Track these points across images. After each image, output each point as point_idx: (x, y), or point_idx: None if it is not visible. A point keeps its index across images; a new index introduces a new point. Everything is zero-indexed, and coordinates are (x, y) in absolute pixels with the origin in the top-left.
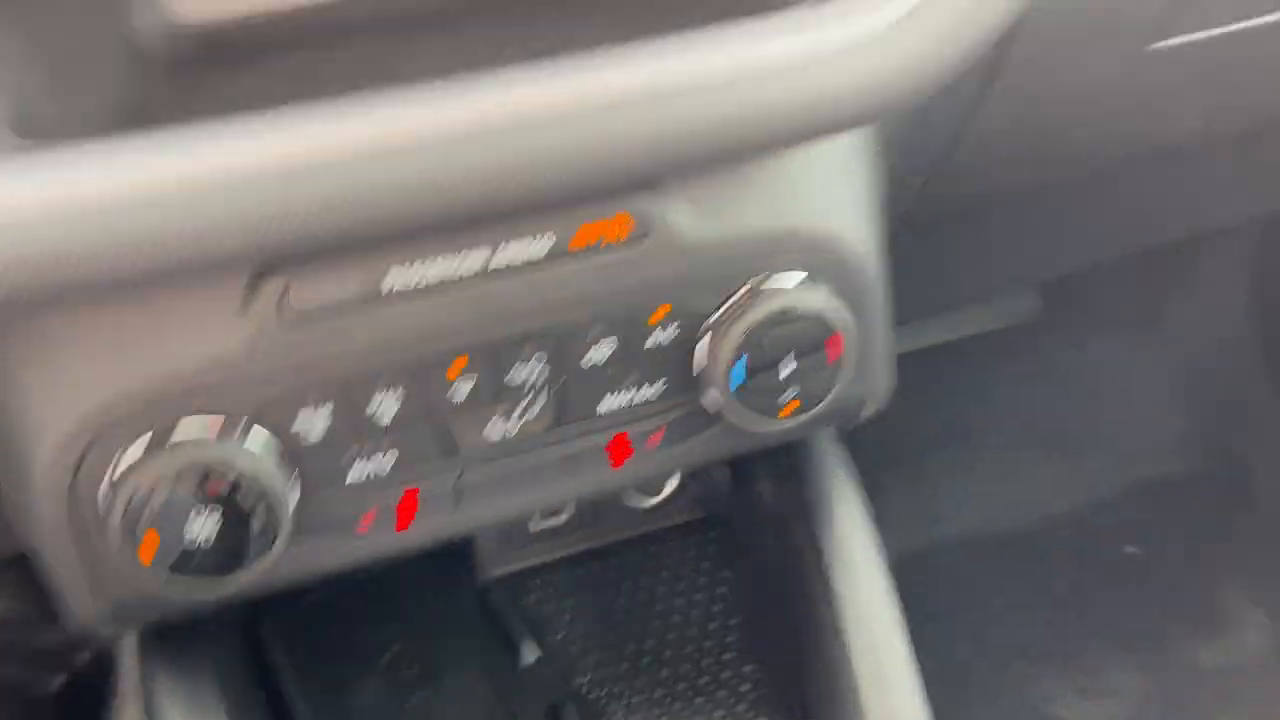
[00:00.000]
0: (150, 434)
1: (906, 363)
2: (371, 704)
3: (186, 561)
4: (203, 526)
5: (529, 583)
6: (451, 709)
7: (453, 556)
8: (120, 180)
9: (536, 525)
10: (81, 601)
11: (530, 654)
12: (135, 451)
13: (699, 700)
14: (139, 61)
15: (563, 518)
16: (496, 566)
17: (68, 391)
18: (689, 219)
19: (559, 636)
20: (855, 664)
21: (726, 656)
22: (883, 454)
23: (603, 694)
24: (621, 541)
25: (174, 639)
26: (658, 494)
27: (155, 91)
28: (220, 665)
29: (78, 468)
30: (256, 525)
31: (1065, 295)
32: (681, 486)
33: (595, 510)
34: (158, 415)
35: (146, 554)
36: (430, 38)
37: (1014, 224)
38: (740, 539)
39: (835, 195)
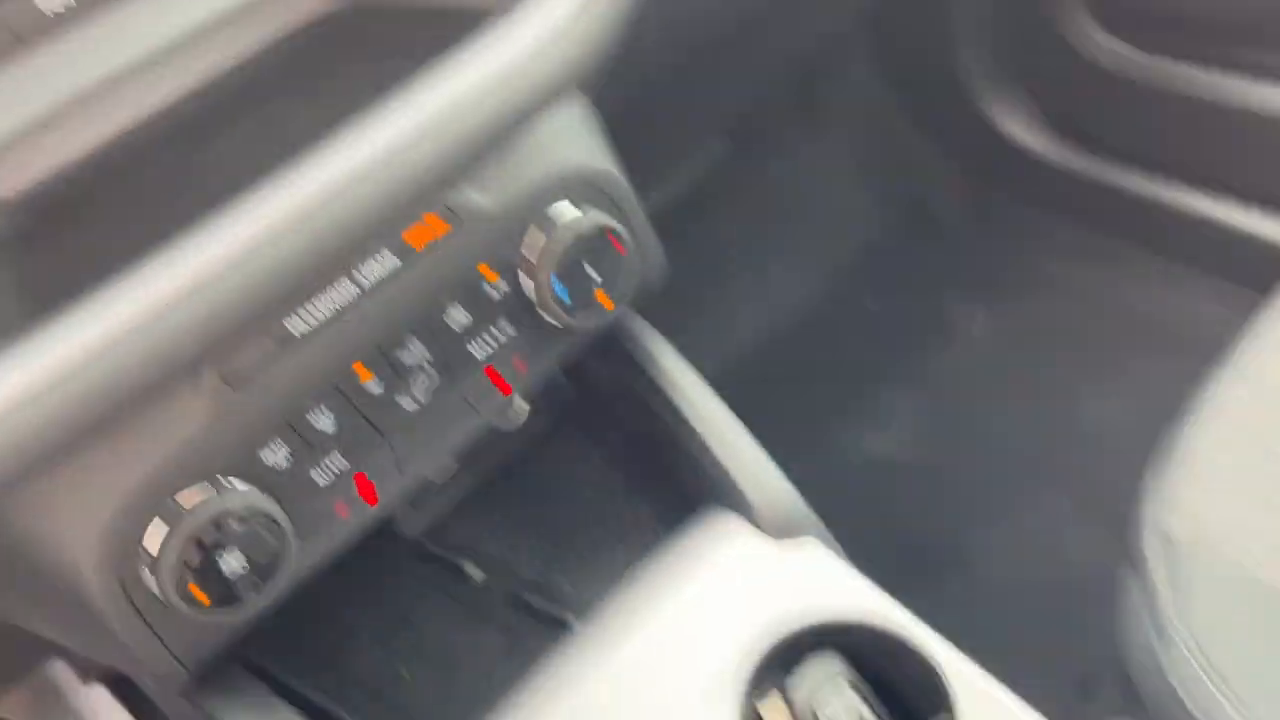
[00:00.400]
0: (160, 515)
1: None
2: (369, 666)
3: (233, 593)
4: (233, 563)
5: (448, 528)
6: (436, 637)
7: (377, 536)
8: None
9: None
10: (167, 664)
11: (476, 573)
12: (155, 533)
13: (618, 544)
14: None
15: (453, 468)
16: (416, 529)
17: (84, 511)
18: (481, 197)
19: (492, 550)
20: (722, 459)
21: (624, 505)
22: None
23: (548, 574)
24: (506, 467)
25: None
26: (518, 421)
27: (31, 260)
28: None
29: (117, 565)
30: (271, 543)
31: (744, 134)
32: (534, 411)
33: (476, 453)
34: (161, 497)
35: (201, 602)
36: (222, 137)
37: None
38: (597, 422)
39: (574, 137)
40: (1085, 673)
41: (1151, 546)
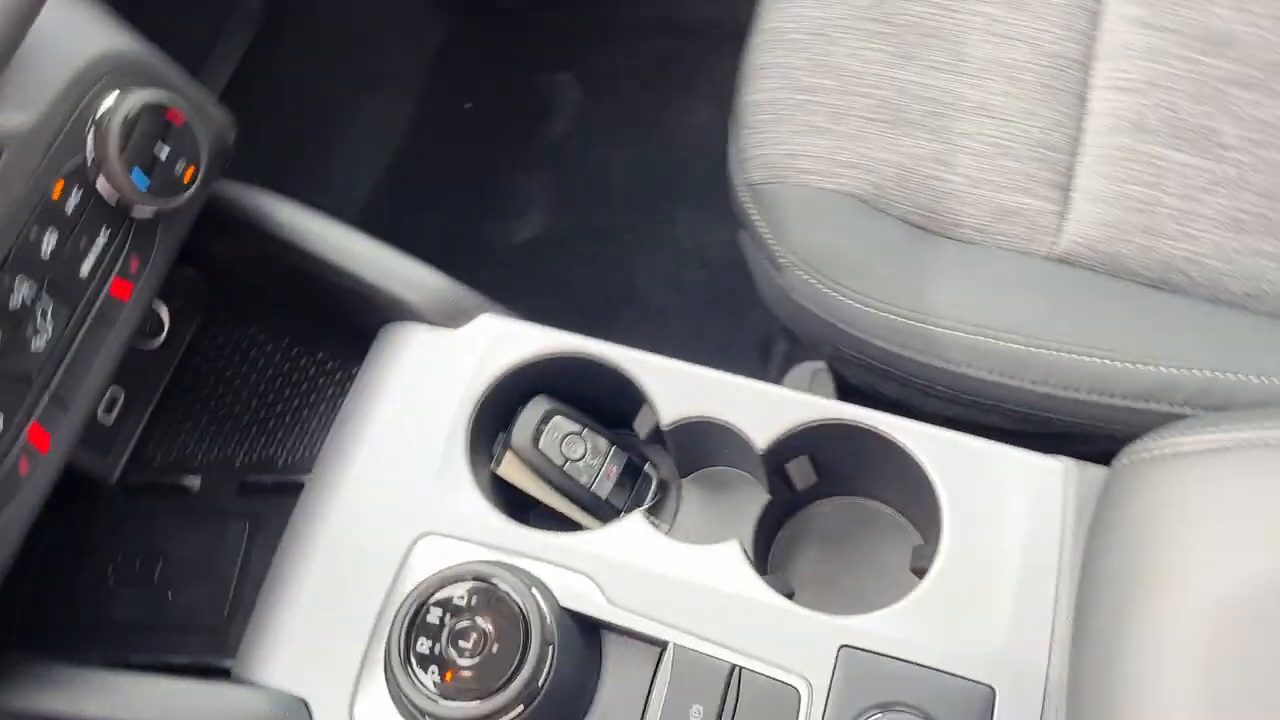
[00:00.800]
0: None
1: None
2: (135, 608)
3: None
4: None
5: (148, 457)
6: (187, 554)
7: (86, 493)
8: None
9: (106, 419)
10: None
11: (194, 482)
12: None
13: (314, 396)
14: None
15: (118, 405)
16: (116, 472)
17: None
18: (12, 116)
19: (201, 457)
20: (371, 279)
21: (304, 361)
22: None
23: (264, 452)
24: (175, 380)
25: None
26: (160, 334)
27: None
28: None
29: None
30: None
31: None
32: (173, 324)
33: (134, 380)
34: None
35: None
36: None
37: None
38: (244, 302)
39: (81, 27)
40: (760, 340)
41: (746, 201)
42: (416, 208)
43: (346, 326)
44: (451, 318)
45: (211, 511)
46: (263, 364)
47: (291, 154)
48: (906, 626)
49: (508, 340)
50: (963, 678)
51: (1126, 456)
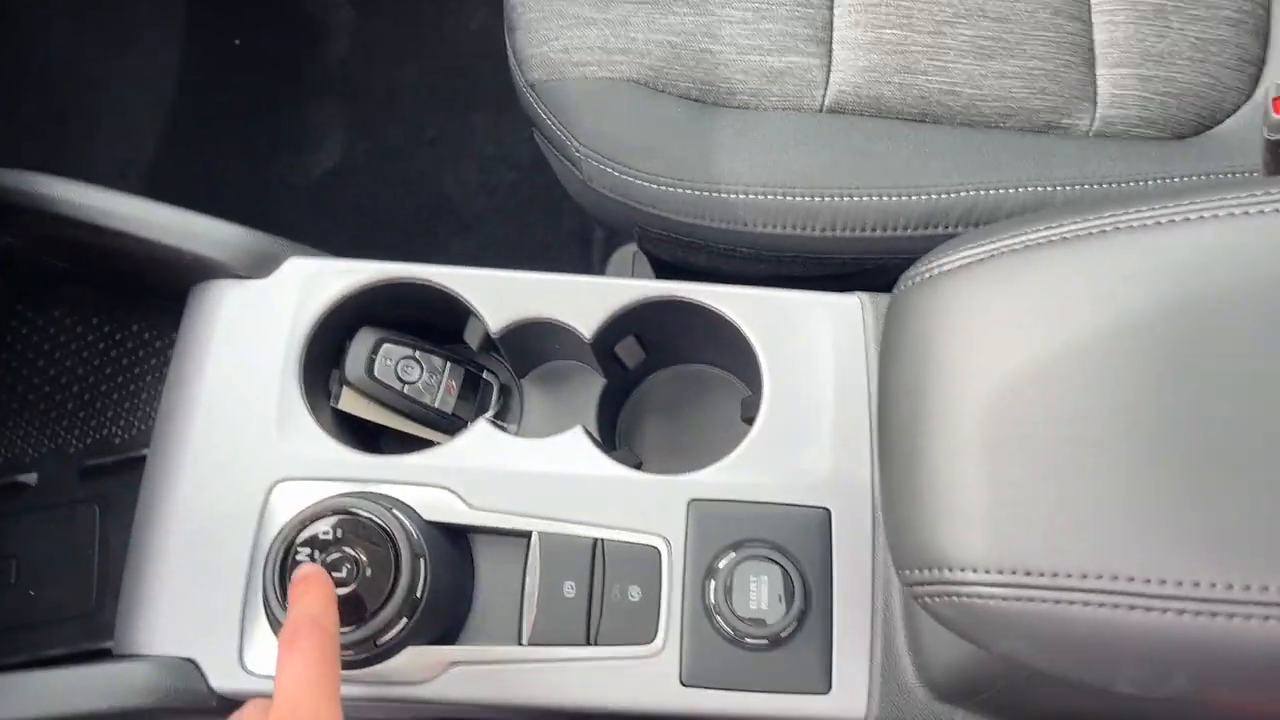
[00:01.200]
0: None
1: None
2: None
3: None
4: None
5: None
6: (39, 549)
7: None
8: None
9: None
10: None
11: (31, 477)
12: None
13: (137, 371)
14: None
15: None
16: None
17: None
18: None
19: (32, 451)
20: (163, 240)
21: (121, 337)
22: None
23: (98, 437)
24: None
25: None
26: None
27: None
28: None
29: None
30: None
31: None
32: None
33: None
34: None
35: None
36: None
37: None
38: (43, 289)
39: None
40: (579, 230)
41: (532, 101)
42: (207, 158)
43: (155, 293)
44: (259, 267)
45: (56, 503)
46: (76, 347)
47: (59, 127)
48: (745, 471)
49: (320, 279)
50: (801, 505)
51: (901, 284)
